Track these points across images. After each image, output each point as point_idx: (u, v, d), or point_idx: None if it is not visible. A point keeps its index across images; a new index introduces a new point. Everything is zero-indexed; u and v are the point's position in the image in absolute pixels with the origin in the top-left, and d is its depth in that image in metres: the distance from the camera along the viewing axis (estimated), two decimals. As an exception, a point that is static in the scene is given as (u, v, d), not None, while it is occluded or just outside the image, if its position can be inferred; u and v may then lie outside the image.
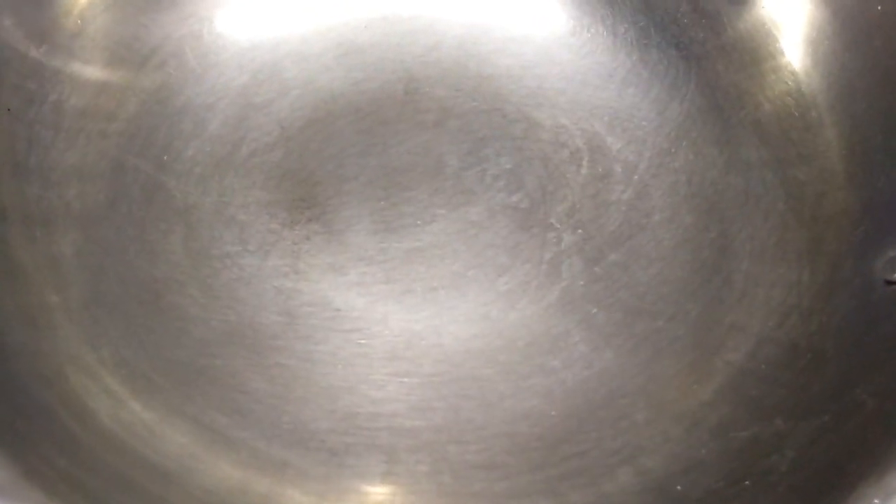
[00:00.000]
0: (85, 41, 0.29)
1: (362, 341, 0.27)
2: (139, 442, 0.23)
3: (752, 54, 0.31)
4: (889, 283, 0.24)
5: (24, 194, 0.27)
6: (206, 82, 0.31)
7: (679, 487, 0.23)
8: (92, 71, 0.29)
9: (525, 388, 0.26)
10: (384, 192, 0.30)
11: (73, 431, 0.22)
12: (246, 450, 0.24)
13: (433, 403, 0.26)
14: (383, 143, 0.31)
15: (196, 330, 0.26)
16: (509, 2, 0.33)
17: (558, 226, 0.29)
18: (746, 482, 0.22)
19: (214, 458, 0.24)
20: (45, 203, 0.27)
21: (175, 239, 0.28)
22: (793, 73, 0.30)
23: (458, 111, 0.31)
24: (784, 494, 0.21)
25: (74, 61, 0.29)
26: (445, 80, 0.32)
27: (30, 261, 0.26)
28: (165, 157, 0.29)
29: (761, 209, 0.29)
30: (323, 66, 0.32)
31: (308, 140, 0.30)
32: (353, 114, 0.31)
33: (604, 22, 0.32)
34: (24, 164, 0.27)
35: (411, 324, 0.27)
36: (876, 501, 0.18)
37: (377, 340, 0.27)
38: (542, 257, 0.29)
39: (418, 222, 0.29)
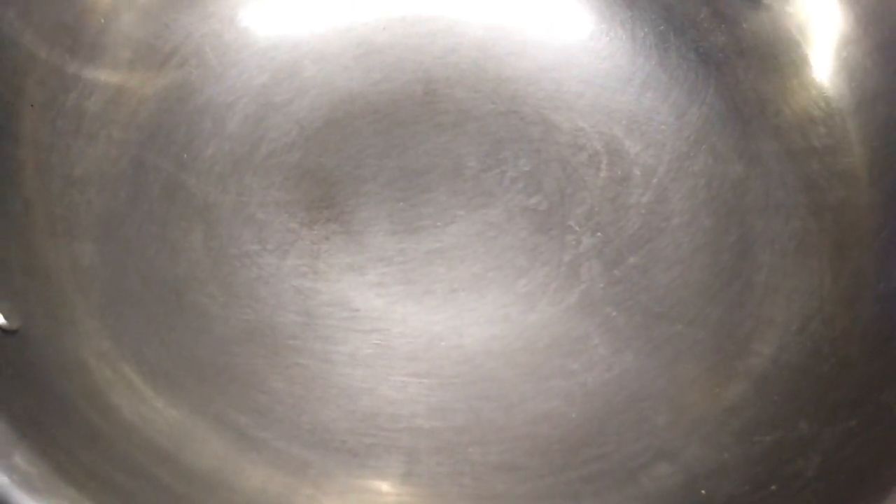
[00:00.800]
0: (107, 40, 0.29)
1: (381, 342, 0.27)
2: (163, 438, 0.23)
3: (772, 59, 0.31)
4: (913, 288, 0.24)
5: (47, 191, 0.27)
6: (226, 81, 0.31)
7: (703, 491, 0.23)
8: (113, 69, 0.30)
9: (546, 390, 0.26)
10: (403, 193, 0.30)
11: (98, 427, 0.22)
12: (267, 449, 0.24)
13: (453, 405, 0.26)
14: (402, 144, 0.31)
15: (216, 328, 0.26)
16: (529, 4, 0.33)
17: (577, 228, 0.29)
18: (772, 487, 0.22)
19: (236, 456, 0.24)
20: (67, 200, 0.27)
21: (195, 238, 0.28)
22: (814, 77, 0.30)
23: (476, 113, 0.31)
24: (811, 500, 0.21)
25: (96, 60, 0.29)
26: (464, 81, 0.32)
27: (52, 257, 0.26)
28: (185, 156, 0.29)
29: (782, 213, 0.28)
30: (342, 66, 0.32)
31: (327, 140, 0.30)
32: (371, 114, 0.31)
33: (623, 26, 0.32)
34: (47, 161, 0.27)
35: (431, 325, 0.27)
36: (908, 506, 0.18)
37: (397, 341, 0.27)
38: (561, 259, 0.29)
39: (437, 223, 0.29)
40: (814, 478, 0.21)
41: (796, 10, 0.31)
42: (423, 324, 0.27)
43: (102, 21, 0.29)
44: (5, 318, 0.23)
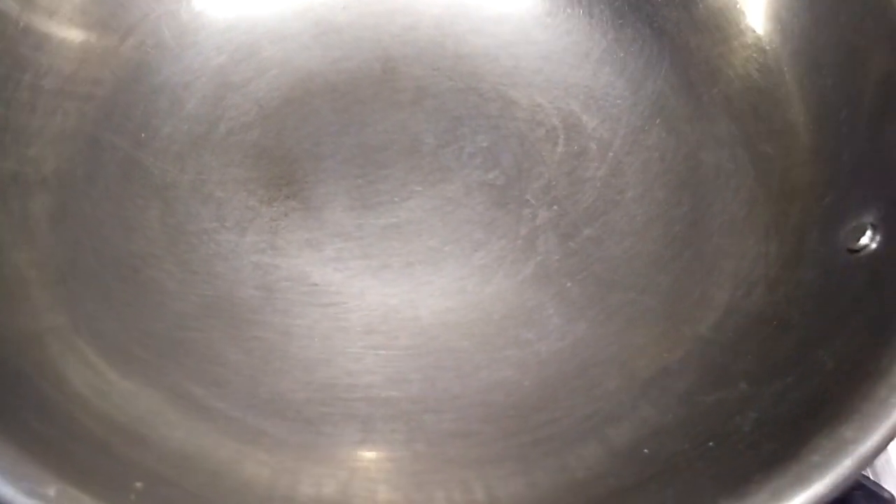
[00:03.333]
0: (62, 19, 0.29)
1: (339, 315, 0.27)
2: (115, 409, 0.23)
3: (722, 31, 0.31)
4: (851, 251, 0.25)
5: (2, 169, 0.27)
6: (184, 61, 0.31)
7: (646, 451, 0.23)
8: (69, 49, 0.30)
9: (500, 360, 0.27)
10: (361, 170, 0.30)
11: (52, 398, 0.22)
12: (222, 418, 0.24)
13: (409, 375, 0.26)
14: (360, 121, 0.31)
15: (173, 304, 0.27)
16: (486, -19, 0.33)
17: (534, 202, 0.30)
18: (710, 443, 0.22)
19: (190, 425, 0.24)
20: (22, 178, 0.27)
21: (152, 215, 0.28)
22: (761, 49, 0.30)
23: (434, 90, 0.31)
24: (744, 452, 0.21)
25: (51, 39, 0.29)
26: (422, 59, 0.32)
27: (6, 234, 0.26)
28: (143, 135, 0.29)
29: (731, 184, 0.29)
30: (301, 45, 0.32)
31: (285, 119, 0.31)
32: (330, 93, 0.31)
33: (580, 2, 0.32)
34: (2, 140, 0.27)
35: (388, 298, 0.28)
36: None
37: (354, 314, 0.27)
38: (517, 232, 0.29)
39: (395, 199, 0.30)
40: (749, 432, 0.22)
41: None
42: (380, 297, 0.28)
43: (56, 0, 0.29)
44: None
